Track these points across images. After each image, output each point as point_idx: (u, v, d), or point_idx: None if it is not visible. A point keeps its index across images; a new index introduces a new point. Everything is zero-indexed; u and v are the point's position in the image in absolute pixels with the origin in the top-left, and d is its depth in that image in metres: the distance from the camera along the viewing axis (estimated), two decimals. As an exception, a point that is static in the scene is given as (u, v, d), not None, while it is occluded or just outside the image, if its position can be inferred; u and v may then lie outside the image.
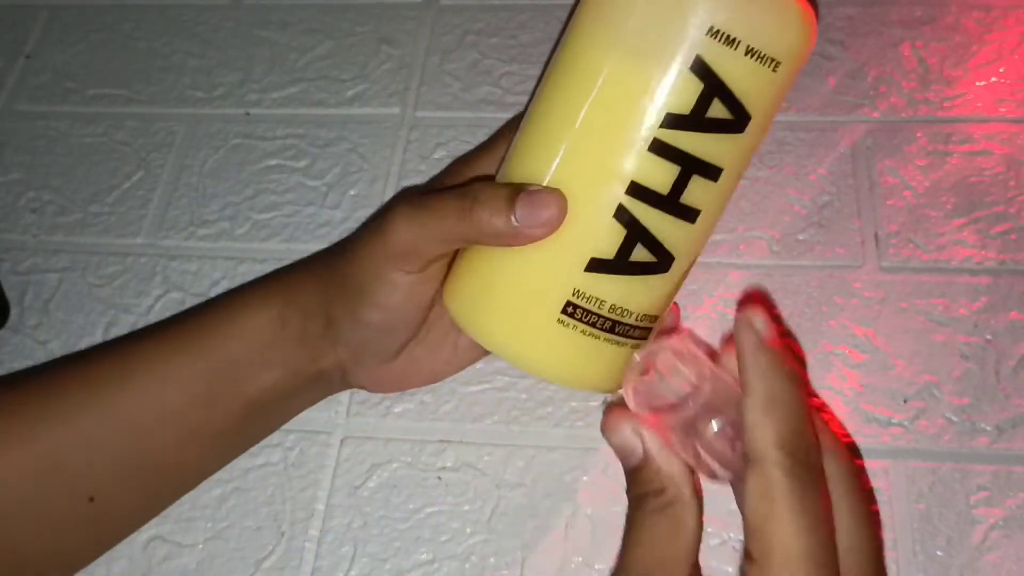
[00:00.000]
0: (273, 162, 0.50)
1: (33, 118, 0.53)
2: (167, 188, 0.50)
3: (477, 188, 0.32)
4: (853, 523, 0.27)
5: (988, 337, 0.41)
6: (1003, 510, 0.37)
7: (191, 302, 0.46)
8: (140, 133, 0.52)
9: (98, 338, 0.45)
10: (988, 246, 0.43)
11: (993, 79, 0.48)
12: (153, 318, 0.45)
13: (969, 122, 0.46)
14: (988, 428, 0.39)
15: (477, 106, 0.50)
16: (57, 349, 0.45)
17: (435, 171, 0.48)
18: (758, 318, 0.27)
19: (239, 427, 0.38)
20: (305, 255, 0.46)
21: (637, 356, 0.30)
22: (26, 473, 0.35)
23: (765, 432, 0.26)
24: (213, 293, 0.46)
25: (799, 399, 0.27)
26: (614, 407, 0.29)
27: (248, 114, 0.52)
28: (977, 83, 0.48)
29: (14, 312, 0.46)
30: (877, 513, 0.34)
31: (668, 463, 0.28)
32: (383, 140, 0.50)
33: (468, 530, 0.39)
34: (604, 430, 0.29)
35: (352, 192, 0.48)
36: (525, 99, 0.50)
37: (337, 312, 0.37)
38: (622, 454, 0.29)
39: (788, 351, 0.28)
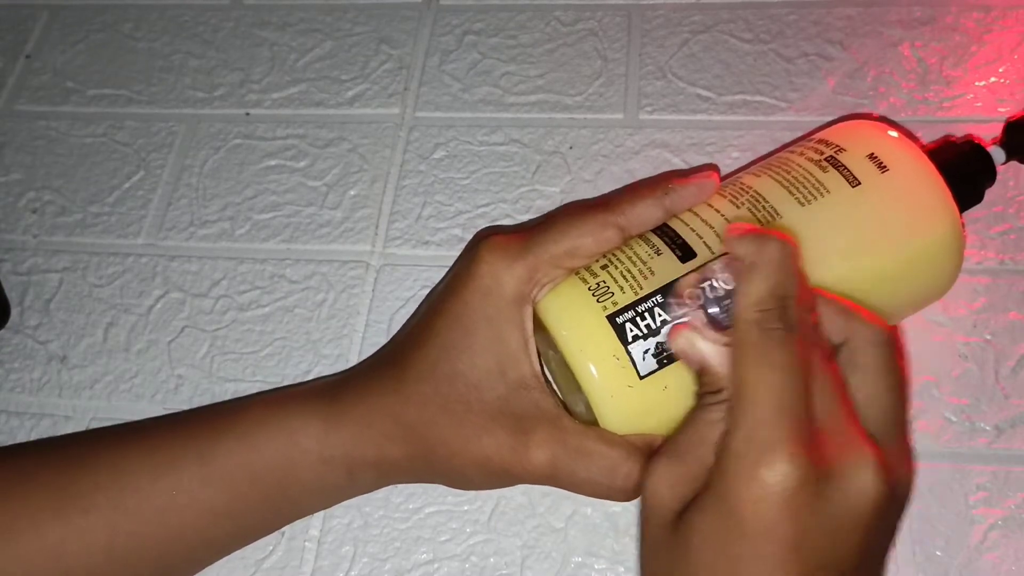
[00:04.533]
0: (273, 162, 0.50)
1: (33, 118, 0.53)
2: (167, 188, 0.50)
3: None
4: (871, 380, 0.29)
5: (987, 337, 0.41)
6: (1002, 510, 0.37)
7: (191, 302, 0.46)
8: (140, 133, 0.52)
9: (99, 338, 0.45)
10: (987, 246, 0.43)
11: (993, 79, 0.48)
12: (153, 318, 0.45)
13: (969, 122, 0.46)
14: (987, 428, 0.39)
15: (477, 106, 0.50)
16: (58, 349, 0.45)
17: (435, 171, 0.48)
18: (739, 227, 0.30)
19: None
20: (304, 255, 0.46)
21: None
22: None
23: (743, 294, 0.28)
24: (213, 293, 0.46)
25: (779, 263, 0.28)
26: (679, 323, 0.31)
27: (248, 114, 0.52)
28: (977, 83, 0.48)
29: (15, 312, 0.46)
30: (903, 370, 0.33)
31: (725, 367, 0.29)
32: (383, 140, 0.50)
33: (468, 530, 0.39)
34: (668, 340, 0.31)
35: (352, 192, 0.48)
36: (525, 99, 0.50)
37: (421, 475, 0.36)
38: (684, 359, 0.31)
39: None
